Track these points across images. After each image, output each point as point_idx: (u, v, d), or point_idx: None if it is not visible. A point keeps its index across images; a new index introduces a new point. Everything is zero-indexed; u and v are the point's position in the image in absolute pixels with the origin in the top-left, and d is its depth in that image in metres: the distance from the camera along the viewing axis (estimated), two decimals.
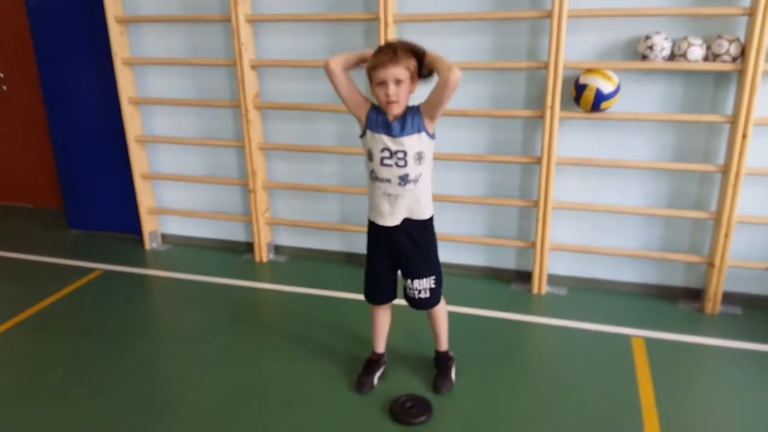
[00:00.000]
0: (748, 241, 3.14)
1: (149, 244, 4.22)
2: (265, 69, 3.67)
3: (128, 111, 3.91)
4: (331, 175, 3.78)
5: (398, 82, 2.14)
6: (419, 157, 2.24)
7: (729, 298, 3.22)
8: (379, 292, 2.54)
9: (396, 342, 2.83)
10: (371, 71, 2.16)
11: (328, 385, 2.63)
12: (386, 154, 2.23)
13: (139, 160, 4.05)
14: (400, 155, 2.22)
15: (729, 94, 2.96)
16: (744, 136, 2.86)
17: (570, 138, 3.24)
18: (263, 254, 3.96)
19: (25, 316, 3.27)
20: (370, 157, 2.29)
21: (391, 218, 2.34)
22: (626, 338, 2.94)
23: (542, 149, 3.18)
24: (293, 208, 3.96)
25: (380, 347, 2.68)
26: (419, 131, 2.22)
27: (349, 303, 3.36)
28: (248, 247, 4.09)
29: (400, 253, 2.41)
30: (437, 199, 2.90)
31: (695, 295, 3.31)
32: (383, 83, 2.14)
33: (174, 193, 4.21)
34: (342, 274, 3.74)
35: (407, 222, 2.35)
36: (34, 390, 2.64)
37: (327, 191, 3.78)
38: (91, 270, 3.86)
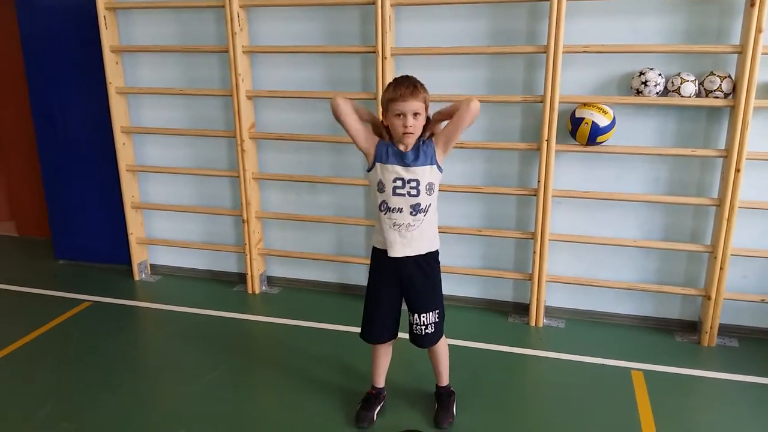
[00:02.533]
0: (743, 273, 3.17)
1: (138, 275, 4.14)
2: (261, 99, 3.67)
3: (121, 140, 3.88)
4: (326, 206, 3.77)
5: (416, 114, 2.21)
6: (430, 187, 2.29)
7: (725, 330, 3.23)
8: (380, 330, 2.49)
9: (395, 376, 2.77)
10: (390, 103, 2.22)
11: (326, 420, 2.57)
12: (399, 183, 2.27)
13: (130, 189, 4.00)
14: (413, 184, 2.26)
15: (722, 129, 3.02)
16: (737, 170, 2.91)
17: (566, 171, 3.27)
18: (256, 286, 3.91)
19: (11, 350, 3.17)
20: (380, 188, 2.30)
21: (402, 248, 2.33)
22: (626, 371, 2.93)
23: (539, 181, 3.20)
24: (286, 239, 3.93)
25: (380, 382, 2.64)
26: (431, 163, 2.28)
27: (345, 336, 3.31)
28: (240, 278, 4.04)
29: (408, 285, 2.40)
30: None
31: (692, 327, 3.32)
32: (402, 115, 2.21)
33: (164, 223, 4.16)
34: (337, 306, 3.70)
35: (417, 255, 2.35)
36: (22, 425, 2.54)
37: (322, 222, 3.76)
38: (79, 302, 3.77)
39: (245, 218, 3.77)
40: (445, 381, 2.63)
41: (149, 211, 4.14)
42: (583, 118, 3.00)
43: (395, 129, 2.25)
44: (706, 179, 3.12)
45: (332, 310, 3.62)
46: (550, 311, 3.49)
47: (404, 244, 2.32)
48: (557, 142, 3.14)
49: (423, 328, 2.43)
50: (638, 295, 3.36)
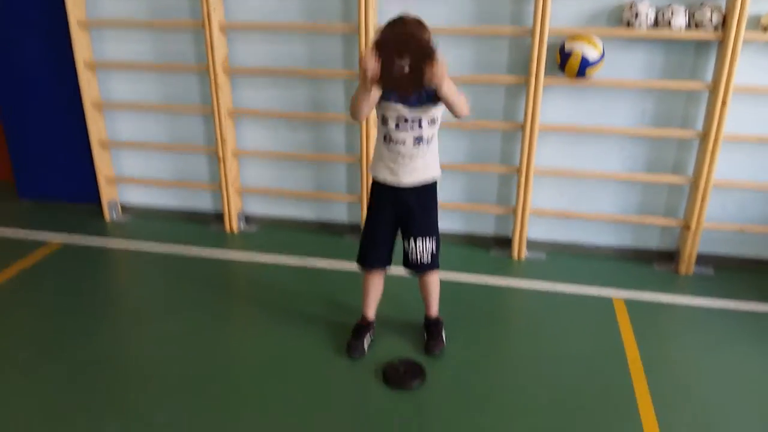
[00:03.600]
0: (721, 204, 3.24)
1: (109, 214, 3.99)
2: (235, 32, 3.49)
3: (84, 76, 3.66)
4: (305, 143, 3.67)
5: None
6: (433, 120, 2.30)
7: (701, 259, 3.33)
8: (377, 254, 2.49)
9: (383, 310, 2.73)
10: None
11: (316, 353, 2.56)
12: (402, 120, 2.26)
13: (96, 126, 3.81)
14: (415, 120, 2.26)
15: (709, 62, 3.02)
16: (723, 103, 2.93)
17: (552, 104, 3.24)
18: (233, 224, 3.82)
19: None
20: (384, 121, 2.30)
21: (404, 177, 2.33)
22: (608, 300, 3.00)
23: (525, 115, 3.16)
24: (264, 177, 3.83)
25: (370, 314, 2.64)
26: (432, 101, 2.26)
27: (327, 272, 3.28)
28: (216, 217, 3.94)
29: (406, 213, 2.40)
30: None
31: (669, 257, 3.41)
32: None
33: (135, 161, 3.99)
34: (317, 243, 3.65)
35: (417, 184, 2.35)
36: (4, 368, 2.46)
37: (301, 159, 3.67)
38: (48, 243, 3.61)
39: (221, 155, 3.64)
40: (434, 312, 2.65)
41: (118, 148, 3.96)
42: (572, 51, 2.95)
43: None
44: (690, 112, 3.13)
45: (314, 248, 3.58)
46: (532, 244, 3.52)
47: (405, 173, 2.32)
48: (545, 75, 3.09)
49: (419, 253, 2.44)
50: (618, 226, 3.42)
